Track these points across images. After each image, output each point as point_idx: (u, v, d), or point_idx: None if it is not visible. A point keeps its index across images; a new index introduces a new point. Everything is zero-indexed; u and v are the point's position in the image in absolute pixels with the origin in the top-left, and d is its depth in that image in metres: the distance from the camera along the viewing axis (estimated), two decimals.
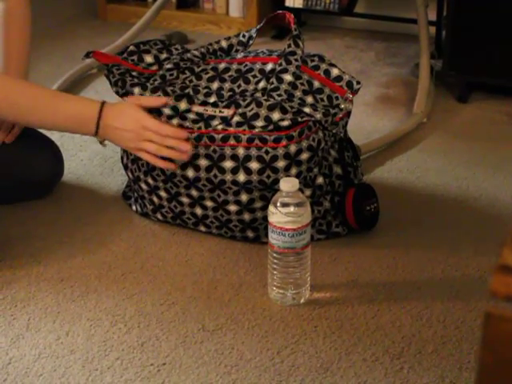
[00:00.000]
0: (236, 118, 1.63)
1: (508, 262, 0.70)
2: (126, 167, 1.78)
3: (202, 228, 1.74)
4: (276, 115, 1.61)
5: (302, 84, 1.67)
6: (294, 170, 1.62)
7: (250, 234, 1.70)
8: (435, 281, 1.62)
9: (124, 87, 1.72)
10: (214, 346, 1.44)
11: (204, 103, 1.67)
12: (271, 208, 1.50)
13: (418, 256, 1.69)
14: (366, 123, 2.26)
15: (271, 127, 1.61)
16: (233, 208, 1.66)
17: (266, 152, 1.61)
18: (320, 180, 1.67)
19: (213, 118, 1.65)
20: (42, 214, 1.83)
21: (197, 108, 1.67)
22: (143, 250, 1.71)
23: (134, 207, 1.83)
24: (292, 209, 1.49)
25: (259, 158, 1.61)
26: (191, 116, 1.66)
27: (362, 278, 1.62)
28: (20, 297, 1.56)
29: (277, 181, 1.60)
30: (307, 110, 1.63)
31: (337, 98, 1.68)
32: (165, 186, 1.70)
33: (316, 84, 1.68)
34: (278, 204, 1.49)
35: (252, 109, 1.63)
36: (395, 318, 1.51)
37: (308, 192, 1.65)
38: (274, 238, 1.50)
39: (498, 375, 0.73)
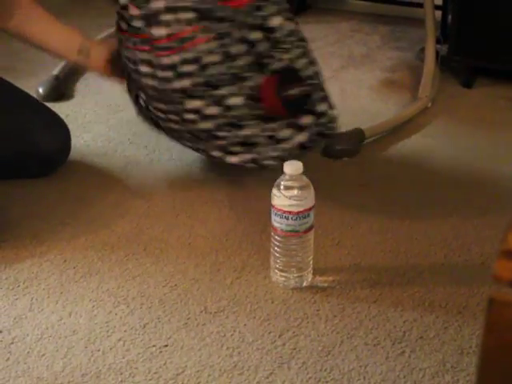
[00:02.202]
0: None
1: None
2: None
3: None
4: None
5: None
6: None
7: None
8: (438, 265, 1.62)
9: None
10: (215, 329, 1.44)
11: None
12: (275, 191, 1.50)
13: (420, 241, 1.69)
14: (371, 107, 2.25)
15: None
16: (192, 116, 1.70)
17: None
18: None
19: None
20: (45, 194, 1.83)
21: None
22: (146, 231, 1.71)
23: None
24: (295, 192, 1.49)
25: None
26: None
27: (365, 262, 1.62)
28: (23, 277, 1.57)
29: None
30: None
31: None
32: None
33: None
34: (282, 187, 1.49)
35: None
36: (397, 303, 1.51)
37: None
38: (277, 221, 1.50)
39: (501, 360, 0.73)
